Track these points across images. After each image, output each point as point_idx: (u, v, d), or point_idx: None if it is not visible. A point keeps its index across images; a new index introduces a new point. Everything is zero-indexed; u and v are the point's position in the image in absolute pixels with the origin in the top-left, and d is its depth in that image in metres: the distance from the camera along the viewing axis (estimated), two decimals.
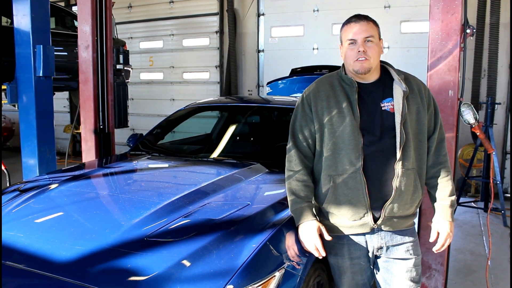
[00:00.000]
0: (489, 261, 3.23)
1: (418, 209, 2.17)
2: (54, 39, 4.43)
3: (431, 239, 2.03)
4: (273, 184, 2.62)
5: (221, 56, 8.15)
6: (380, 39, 2.00)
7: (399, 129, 1.92)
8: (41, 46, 4.00)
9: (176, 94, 8.67)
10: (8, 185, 4.23)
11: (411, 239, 2.03)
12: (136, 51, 8.78)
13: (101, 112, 3.92)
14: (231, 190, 2.48)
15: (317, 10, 7.23)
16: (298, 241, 2.04)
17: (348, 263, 2.05)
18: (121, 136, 6.09)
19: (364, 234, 2.01)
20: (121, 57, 4.44)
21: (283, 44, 7.60)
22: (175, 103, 8.44)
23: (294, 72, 5.93)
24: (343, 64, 2.07)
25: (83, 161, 3.72)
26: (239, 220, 2.04)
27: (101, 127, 3.92)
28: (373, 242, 2.01)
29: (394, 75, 2.02)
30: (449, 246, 2.74)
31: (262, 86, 7.85)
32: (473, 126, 3.72)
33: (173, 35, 8.53)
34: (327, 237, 1.94)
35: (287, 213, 2.13)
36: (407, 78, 2.03)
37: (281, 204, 2.24)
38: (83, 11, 3.78)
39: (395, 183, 1.92)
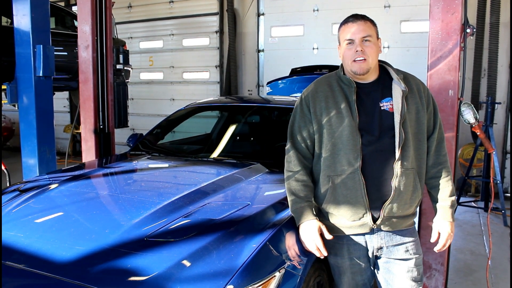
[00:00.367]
0: (489, 261, 3.23)
1: (418, 209, 2.16)
2: (54, 39, 4.43)
3: (432, 240, 2.03)
4: (273, 184, 2.62)
5: (221, 56, 8.15)
6: (378, 38, 1.99)
7: (398, 129, 1.91)
8: (41, 46, 4.00)
9: (176, 94, 8.67)
10: (8, 185, 4.23)
11: (411, 239, 2.03)
12: (136, 51, 8.78)
13: (101, 112, 3.92)
14: (231, 190, 2.47)
15: (317, 10, 7.23)
16: (298, 241, 2.04)
17: (348, 263, 2.04)
18: (121, 136, 6.09)
19: (363, 234, 2.00)
20: (121, 57, 4.44)
21: (283, 44, 7.60)
22: (175, 103, 8.44)
23: (294, 72, 5.93)
24: (342, 64, 2.06)
25: (83, 161, 3.72)
26: (239, 220, 2.04)
27: (101, 127, 3.92)
28: (372, 242, 2.01)
29: (393, 75, 2.01)
30: (449, 246, 2.74)
31: (262, 86, 7.85)
32: (473, 125, 3.72)
33: (173, 35, 8.53)
34: (328, 236, 1.94)
35: (287, 213, 2.13)
36: (406, 78, 2.03)
37: (281, 204, 2.24)
38: (83, 11, 3.78)
39: (394, 183, 1.92)
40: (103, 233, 1.98)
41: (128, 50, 5.30)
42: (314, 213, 2.00)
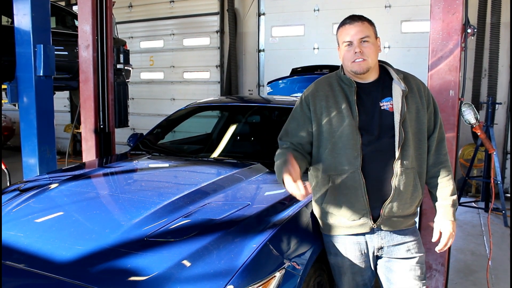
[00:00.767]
0: (489, 261, 3.22)
1: (418, 209, 2.16)
2: (55, 39, 4.43)
3: (434, 239, 2.03)
4: (274, 184, 2.62)
5: (222, 55, 8.15)
6: (376, 37, 1.99)
7: (398, 128, 1.91)
8: (42, 45, 4.00)
9: (176, 93, 8.67)
10: (8, 184, 4.23)
11: (412, 238, 2.02)
12: (136, 51, 8.78)
13: (102, 111, 3.92)
14: (232, 190, 2.47)
15: (318, 10, 7.23)
16: (298, 241, 2.04)
17: (348, 263, 2.04)
18: (121, 135, 6.09)
19: (364, 234, 2.00)
20: (121, 56, 4.44)
21: (284, 44, 7.60)
22: (176, 103, 8.44)
23: (294, 71, 5.93)
24: (342, 65, 2.06)
25: (83, 161, 3.72)
26: (240, 220, 2.04)
27: (102, 126, 3.92)
28: (373, 242, 2.00)
29: (393, 75, 2.02)
30: (449, 247, 2.74)
31: (263, 86, 7.84)
32: (474, 126, 3.71)
33: (173, 34, 8.53)
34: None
35: (287, 213, 2.13)
36: (406, 78, 2.03)
37: (282, 204, 2.24)
38: (83, 10, 3.78)
39: (394, 182, 1.92)
40: (103, 233, 1.98)
41: (128, 50, 5.30)
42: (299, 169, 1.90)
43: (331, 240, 2.06)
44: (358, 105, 1.96)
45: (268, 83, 5.93)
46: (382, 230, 1.99)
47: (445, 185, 2.03)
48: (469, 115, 3.61)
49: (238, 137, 3.66)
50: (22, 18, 4.00)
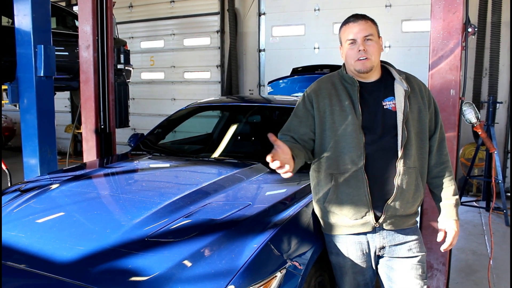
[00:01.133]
0: (491, 261, 3.21)
1: (419, 208, 2.16)
2: (55, 39, 4.43)
3: (439, 239, 2.03)
4: (275, 184, 2.62)
5: (222, 55, 8.14)
6: (379, 37, 2.00)
7: (401, 128, 1.92)
8: (42, 46, 4.00)
9: (177, 93, 8.67)
10: (9, 185, 4.23)
11: (413, 237, 2.02)
12: (137, 51, 8.78)
13: (102, 112, 3.92)
14: (232, 190, 2.47)
15: (318, 9, 7.22)
16: (299, 241, 2.04)
17: (349, 263, 2.04)
18: (122, 136, 6.09)
19: (365, 233, 2.00)
20: (122, 56, 4.44)
21: (284, 44, 7.60)
22: (176, 103, 8.44)
23: (295, 71, 5.93)
24: (344, 64, 2.06)
25: (84, 161, 3.72)
26: (240, 220, 2.04)
27: (102, 127, 3.92)
28: (375, 242, 2.00)
29: (395, 75, 2.02)
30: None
31: (263, 86, 7.84)
32: (475, 125, 3.71)
33: (174, 34, 8.53)
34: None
35: (288, 213, 2.13)
36: (408, 78, 2.04)
37: (283, 204, 2.24)
38: (83, 11, 3.78)
39: (397, 181, 1.92)
40: (104, 233, 1.98)
41: (129, 50, 5.30)
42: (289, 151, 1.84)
43: (333, 239, 2.06)
44: (361, 104, 1.96)
45: (269, 83, 5.93)
46: (384, 229, 1.98)
47: (448, 185, 2.04)
48: (470, 114, 3.61)
49: (239, 137, 3.66)
50: (23, 18, 4.01)
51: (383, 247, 2.01)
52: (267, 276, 1.75)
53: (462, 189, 5.58)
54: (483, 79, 6.38)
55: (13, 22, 4.14)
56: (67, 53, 6.12)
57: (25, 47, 4.04)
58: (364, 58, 1.93)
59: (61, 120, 9.28)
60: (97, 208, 2.31)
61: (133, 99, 8.79)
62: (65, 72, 6.02)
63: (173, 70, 8.66)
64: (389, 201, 1.94)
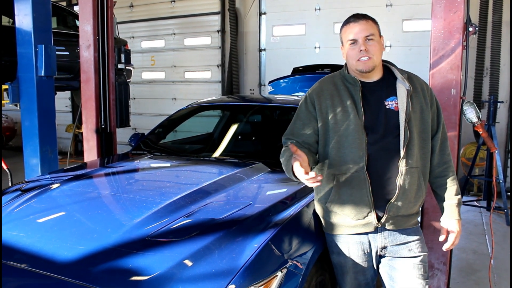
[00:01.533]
0: (492, 260, 3.21)
1: (421, 208, 2.16)
2: (56, 39, 4.43)
3: (441, 239, 2.03)
4: (275, 183, 2.62)
5: (223, 55, 8.14)
6: (380, 36, 1.99)
7: (404, 127, 1.91)
8: (43, 45, 4.00)
9: (177, 93, 8.67)
10: (10, 184, 4.23)
11: (415, 237, 2.02)
12: (137, 51, 8.78)
13: (103, 111, 3.92)
14: (233, 190, 2.47)
15: (319, 9, 7.22)
16: (300, 240, 2.03)
17: (350, 263, 2.04)
18: (122, 135, 6.09)
19: (367, 233, 2.00)
20: (122, 56, 4.44)
21: (285, 43, 7.59)
22: (177, 103, 8.44)
23: (296, 71, 5.92)
24: (346, 64, 2.06)
25: (85, 161, 3.72)
26: (241, 220, 2.04)
27: (103, 126, 3.92)
28: (376, 242, 2.00)
29: (398, 74, 2.01)
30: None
31: (264, 85, 7.84)
32: (476, 124, 3.70)
33: (174, 34, 8.53)
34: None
35: (289, 212, 2.13)
36: (410, 77, 2.03)
37: (283, 203, 2.24)
38: (84, 10, 3.78)
39: (399, 181, 1.92)
40: (105, 232, 1.98)
41: (129, 50, 5.30)
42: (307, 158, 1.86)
43: (334, 239, 2.06)
44: (363, 104, 1.96)
45: (269, 82, 5.93)
46: (386, 229, 1.98)
47: (450, 185, 2.04)
48: (471, 113, 3.59)
49: (240, 137, 3.66)
50: (23, 18, 4.01)
51: (385, 247, 2.01)
52: (268, 275, 1.75)
53: (463, 188, 5.57)
54: (484, 79, 6.38)
55: (13, 22, 4.15)
56: (67, 53, 6.13)
57: (25, 47, 4.04)
58: (366, 58, 1.92)
59: (62, 120, 9.28)
60: (98, 208, 2.31)
61: (134, 98, 8.80)
62: (65, 71, 6.02)
63: (174, 70, 8.66)
64: (391, 201, 1.93)
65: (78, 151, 8.78)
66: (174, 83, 8.70)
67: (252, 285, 1.69)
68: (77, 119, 4.79)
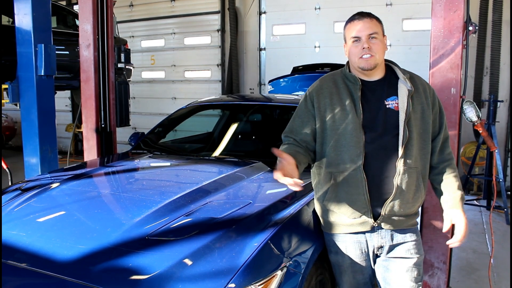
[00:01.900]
0: (491, 259, 3.21)
1: (420, 209, 2.15)
2: (56, 38, 4.43)
3: (445, 229, 1.98)
4: (275, 182, 2.59)
5: (223, 54, 8.14)
6: (384, 35, 1.99)
7: (403, 127, 1.91)
8: (43, 45, 4.00)
9: (177, 92, 8.67)
10: (10, 184, 4.23)
11: (412, 238, 2.01)
12: (137, 50, 8.78)
13: (103, 111, 3.92)
14: (233, 189, 2.47)
15: (319, 8, 7.22)
16: (300, 239, 2.04)
17: (348, 262, 2.04)
18: (122, 135, 6.10)
19: (364, 232, 2.00)
20: (122, 55, 4.44)
21: (285, 42, 7.59)
22: (177, 102, 8.44)
23: (296, 70, 5.91)
24: (348, 62, 2.06)
25: (84, 160, 3.72)
26: (241, 219, 2.04)
27: (103, 126, 3.92)
28: (373, 241, 2.00)
29: (400, 74, 2.01)
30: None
31: (264, 85, 7.84)
32: (476, 124, 3.70)
33: (174, 33, 8.53)
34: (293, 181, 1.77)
35: (289, 211, 2.13)
36: (412, 78, 2.03)
37: (283, 202, 2.24)
38: (84, 10, 3.78)
39: (396, 180, 1.92)
40: (104, 232, 1.98)
41: (129, 49, 5.31)
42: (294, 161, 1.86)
43: (332, 238, 2.06)
44: (363, 103, 1.95)
45: (269, 81, 5.92)
46: (383, 229, 1.98)
47: (452, 181, 2.01)
48: (471, 113, 3.59)
49: (240, 136, 3.66)
50: (23, 17, 4.01)
51: (381, 247, 2.00)
52: (267, 274, 1.75)
53: (463, 188, 5.56)
54: (484, 78, 6.38)
55: (13, 21, 4.14)
56: (67, 52, 6.13)
57: (25, 46, 4.04)
58: (368, 55, 1.92)
59: (61, 119, 9.29)
60: (98, 207, 2.31)
61: (134, 98, 8.80)
62: (65, 71, 6.02)
63: (174, 69, 8.66)
64: (388, 201, 1.93)
65: (78, 151, 8.78)
66: (174, 82, 8.70)
67: (252, 284, 1.69)
68: (77, 118, 4.79)
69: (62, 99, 9.35)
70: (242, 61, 8.06)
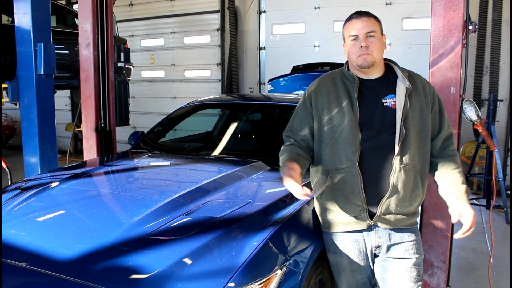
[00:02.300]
0: (491, 259, 3.22)
1: (419, 209, 2.15)
2: (55, 37, 4.43)
3: (454, 220, 1.94)
4: (275, 181, 2.61)
5: (222, 53, 8.14)
6: (382, 34, 1.99)
7: (399, 125, 1.91)
8: (42, 44, 4.00)
9: (177, 92, 8.66)
10: (9, 183, 4.23)
11: (411, 238, 2.01)
12: (137, 49, 8.78)
13: (102, 110, 3.92)
14: (233, 188, 2.47)
15: (319, 7, 7.21)
16: (299, 239, 2.04)
17: (346, 261, 2.04)
18: (122, 134, 6.09)
19: (361, 231, 1.99)
20: (122, 55, 4.44)
21: (285, 42, 7.59)
22: (177, 101, 8.44)
23: (295, 69, 5.91)
24: (347, 61, 2.06)
25: (84, 159, 3.72)
26: (241, 218, 2.04)
27: (102, 125, 3.92)
28: (370, 240, 2.00)
29: (398, 73, 2.01)
30: (451, 244, 2.73)
31: (264, 84, 7.84)
32: (475, 123, 3.70)
33: (174, 32, 8.52)
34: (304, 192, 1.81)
35: (288, 210, 2.13)
36: (411, 76, 2.02)
37: (283, 202, 2.24)
38: (84, 9, 3.78)
39: (392, 178, 1.91)
40: (104, 231, 1.98)
41: (129, 48, 5.29)
42: (299, 168, 1.93)
43: (330, 237, 2.06)
44: (360, 101, 1.96)
45: (269, 81, 5.92)
46: (380, 227, 1.97)
47: (457, 176, 1.98)
48: (471, 112, 3.60)
49: (239, 135, 3.66)
50: (23, 17, 4.00)
51: (379, 246, 2.00)
52: (267, 273, 1.75)
53: None
54: (484, 77, 6.37)
55: (13, 21, 4.14)
56: (67, 51, 6.12)
57: (25, 46, 4.04)
58: (366, 54, 1.92)
59: (61, 119, 9.28)
60: (98, 206, 2.31)
61: (133, 97, 8.79)
62: (65, 70, 6.02)
63: (174, 68, 8.65)
64: (383, 199, 1.92)
65: (78, 150, 8.78)
66: (173, 81, 8.70)
67: (251, 283, 1.69)
68: (76, 117, 4.79)
69: (61, 98, 9.34)
70: (242, 60, 8.06)
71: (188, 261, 1.76)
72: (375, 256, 2.04)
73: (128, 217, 2.08)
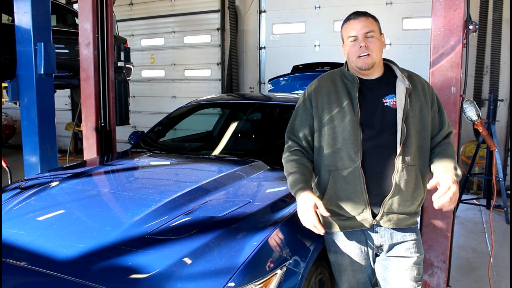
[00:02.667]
0: (491, 259, 3.21)
1: (420, 208, 2.15)
2: (55, 37, 4.43)
3: (429, 186, 1.90)
4: (275, 181, 2.62)
5: (223, 53, 8.13)
6: (381, 33, 1.99)
7: (401, 125, 1.91)
8: (42, 43, 4.00)
9: (177, 91, 8.66)
10: (9, 182, 4.23)
11: (412, 237, 2.01)
12: (137, 49, 8.77)
13: (102, 109, 3.92)
14: (233, 188, 2.47)
15: (319, 7, 7.21)
16: (299, 238, 2.03)
17: (348, 261, 2.04)
18: (122, 133, 6.09)
19: (363, 231, 1.99)
20: (122, 54, 4.43)
21: (285, 41, 7.58)
22: (177, 101, 8.44)
23: (295, 69, 5.91)
24: (346, 61, 2.06)
25: (84, 159, 3.72)
26: (241, 218, 2.04)
27: (103, 124, 3.92)
28: (372, 240, 2.00)
29: (398, 73, 2.01)
30: (451, 245, 2.73)
31: (264, 83, 7.83)
32: (476, 123, 3.70)
33: (174, 32, 8.52)
34: (325, 213, 1.86)
35: (288, 210, 2.13)
36: (411, 76, 2.03)
37: (283, 201, 2.24)
38: (84, 8, 3.78)
39: (395, 178, 1.91)
40: (104, 230, 1.98)
41: (129, 48, 5.28)
42: (310, 186, 1.97)
43: (331, 237, 2.06)
44: (360, 101, 1.96)
45: (269, 80, 5.92)
46: (382, 227, 1.97)
47: (448, 157, 1.94)
48: (471, 112, 3.59)
49: (239, 135, 3.66)
50: (23, 16, 4.00)
51: (381, 246, 2.00)
52: (267, 273, 1.75)
53: (463, 187, 5.57)
54: (484, 77, 6.37)
55: (13, 20, 4.14)
56: (67, 51, 6.12)
57: (25, 45, 4.04)
58: (365, 54, 1.92)
59: (61, 118, 9.28)
60: (97, 206, 2.31)
61: (134, 97, 8.78)
62: (65, 70, 6.01)
63: (174, 68, 8.65)
64: (386, 198, 1.93)
65: (78, 149, 8.77)
66: (173, 81, 8.70)
67: (251, 283, 1.69)
68: (76, 117, 4.79)
69: (61, 97, 9.34)
70: (242, 60, 8.06)
71: (188, 260, 1.76)
72: (376, 255, 2.04)
73: (128, 216, 2.08)
